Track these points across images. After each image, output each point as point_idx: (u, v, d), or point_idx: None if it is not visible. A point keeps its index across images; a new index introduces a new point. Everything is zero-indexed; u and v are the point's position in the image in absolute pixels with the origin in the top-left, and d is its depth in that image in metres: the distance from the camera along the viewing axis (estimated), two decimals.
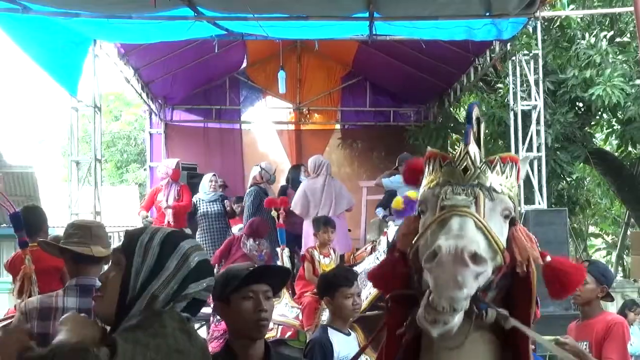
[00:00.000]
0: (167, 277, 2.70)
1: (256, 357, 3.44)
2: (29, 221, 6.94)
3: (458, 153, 2.98)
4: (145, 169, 22.12)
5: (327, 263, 9.64)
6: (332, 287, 5.55)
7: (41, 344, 4.03)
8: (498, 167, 2.97)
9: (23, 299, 5.56)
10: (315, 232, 10.19)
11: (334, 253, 10.08)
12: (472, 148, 2.96)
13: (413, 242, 2.89)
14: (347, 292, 5.49)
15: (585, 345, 5.53)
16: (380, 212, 12.16)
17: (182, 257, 2.74)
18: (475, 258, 2.57)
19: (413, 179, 3.55)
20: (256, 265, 4.30)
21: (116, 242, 13.05)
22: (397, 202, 10.39)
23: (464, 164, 2.94)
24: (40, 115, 62.07)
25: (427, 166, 3.11)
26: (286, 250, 10.59)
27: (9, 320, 5.40)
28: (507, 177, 2.97)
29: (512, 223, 2.95)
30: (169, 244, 2.76)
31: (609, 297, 6.00)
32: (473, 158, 2.95)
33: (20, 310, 4.59)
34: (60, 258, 4.94)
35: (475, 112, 3.10)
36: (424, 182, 3.07)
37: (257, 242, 11.11)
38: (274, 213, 11.24)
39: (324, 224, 10.18)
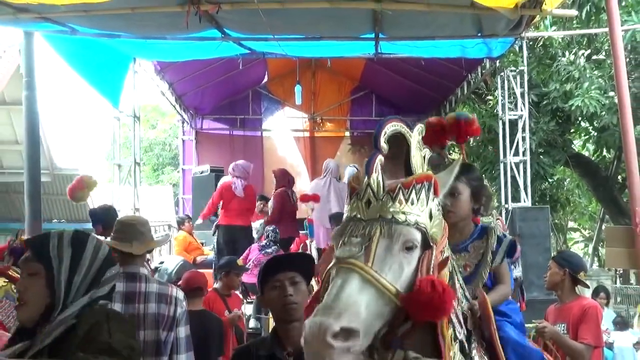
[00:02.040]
0: (86, 270, 2.90)
1: (297, 337, 3.45)
2: (105, 218, 7.18)
3: (362, 184, 2.60)
4: (178, 171, 22.18)
5: None
6: None
7: None
8: (401, 195, 2.55)
9: None
10: (333, 226, 10.13)
11: None
12: (375, 178, 2.57)
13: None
14: None
15: (563, 327, 5.51)
16: None
17: (93, 251, 2.95)
18: (343, 334, 2.26)
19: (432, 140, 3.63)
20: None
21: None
22: None
23: (367, 197, 2.58)
24: (87, 124, 62.29)
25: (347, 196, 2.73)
26: (314, 242, 10.49)
27: None
28: (414, 203, 2.56)
29: (427, 247, 2.57)
30: (78, 242, 2.95)
31: (584, 284, 5.99)
32: (375, 189, 2.57)
33: None
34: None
35: (394, 130, 2.64)
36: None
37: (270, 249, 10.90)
38: (309, 206, 11.19)
39: (338, 218, 10.16)
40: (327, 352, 2.24)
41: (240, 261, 8.71)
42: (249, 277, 10.73)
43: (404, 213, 2.53)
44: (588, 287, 6.56)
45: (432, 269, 2.52)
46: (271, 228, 11.41)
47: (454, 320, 2.73)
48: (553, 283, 5.76)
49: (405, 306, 2.43)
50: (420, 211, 2.55)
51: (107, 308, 3.00)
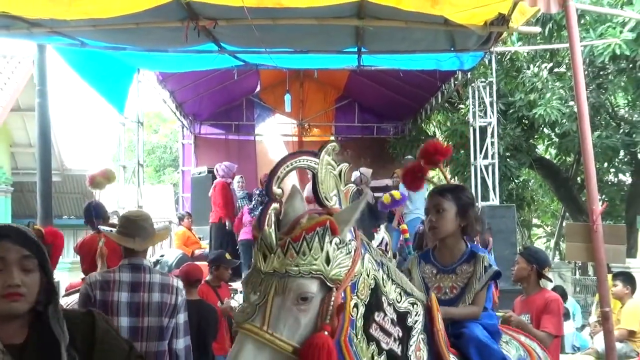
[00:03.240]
0: None
1: None
2: (103, 212, 7.24)
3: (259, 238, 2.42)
4: (178, 172, 22.12)
5: None
6: None
7: (101, 309, 4.14)
8: (292, 249, 2.39)
9: (101, 268, 6.17)
10: None
11: None
12: (267, 231, 2.38)
13: None
14: None
15: (527, 317, 5.53)
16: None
17: None
18: None
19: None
20: None
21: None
22: (386, 199, 10.34)
23: (262, 250, 2.42)
24: (95, 129, 62.07)
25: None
26: None
27: (77, 288, 5.69)
28: (306, 254, 2.38)
29: (327, 289, 2.42)
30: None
31: (547, 278, 6.01)
32: (268, 243, 2.39)
33: (86, 282, 4.71)
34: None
35: (290, 170, 2.46)
36: None
37: None
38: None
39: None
40: None
41: (228, 255, 8.70)
42: (245, 234, 11.45)
43: (296, 266, 2.37)
44: (551, 280, 6.60)
45: (328, 315, 2.39)
46: (257, 191, 11.86)
47: (375, 334, 2.62)
48: (520, 277, 5.79)
49: None
50: (314, 259, 2.39)
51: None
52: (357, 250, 2.55)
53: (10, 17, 7.25)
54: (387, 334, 2.68)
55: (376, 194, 14.49)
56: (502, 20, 7.34)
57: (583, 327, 11.78)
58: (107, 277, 4.57)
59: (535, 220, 28.64)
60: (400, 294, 2.81)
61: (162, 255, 11.77)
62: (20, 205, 20.85)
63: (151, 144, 35.91)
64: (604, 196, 16.78)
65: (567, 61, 14.02)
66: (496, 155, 12.48)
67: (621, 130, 15.27)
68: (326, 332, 2.39)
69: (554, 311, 5.50)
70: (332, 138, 18.07)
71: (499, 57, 14.15)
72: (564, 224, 22.10)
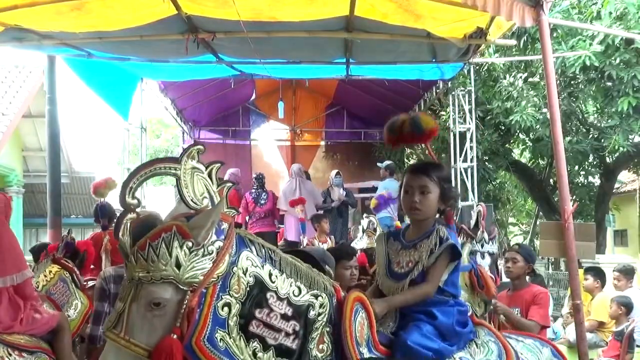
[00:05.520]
0: None
1: None
2: (109, 212, 7.33)
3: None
4: None
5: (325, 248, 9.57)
6: (335, 259, 4.99)
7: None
8: (140, 257, 2.36)
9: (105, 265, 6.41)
10: (315, 224, 10.11)
11: (330, 240, 9.96)
12: (122, 241, 2.39)
13: None
14: (347, 264, 5.14)
15: (517, 311, 5.46)
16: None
17: None
18: None
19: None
20: None
21: None
22: (373, 203, 10.36)
23: (124, 259, 2.43)
24: (101, 134, 62.01)
25: None
26: (305, 239, 10.45)
27: (92, 283, 5.92)
28: (154, 260, 2.33)
29: (184, 292, 2.37)
30: None
31: (532, 272, 6.01)
32: (125, 252, 2.39)
33: (101, 277, 4.74)
34: None
35: (145, 177, 2.51)
36: None
37: None
38: (298, 210, 11.22)
39: (320, 218, 10.16)
40: None
41: None
42: (261, 227, 11.35)
43: (148, 272, 2.34)
44: (536, 274, 6.59)
45: (178, 318, 2.36)
46: (255, 175, 12.07)
47: (257, 331, 2.52)
48: (519, 274, 5.72)
49: None
50: (163, 265, 2.34)
51: None
52: (222, 251, 2.47)
53: (23, 29, 7.25)
54: (275, 329, 2.56)
55: (362, 195, 14.60)
56: (480, 33, 7.38)
57: (556, 318, 11.80)
58: (120, 272, 4.62)
59: (511, 219, 28.70)
60: (298, 287, 2.66)
61: None
62: (31, 206, 20.80)
63: (154, 148, 35.78)
64: (575, 197, 16.81)
65: (540, 71, 14.05)
66: (475, 159, 12.49)
67: (590, 136, 15.31)
68: (175, 336, 2.37)
69: (541, 303, 5.47)
70: (322, 143, 18.09)
71: (477, 67, 14.17)
72: (538, 222, 22.14)
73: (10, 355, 3.97)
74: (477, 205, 5.44)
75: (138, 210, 2.45)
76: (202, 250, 2.41)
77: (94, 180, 8.69)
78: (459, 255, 3.05)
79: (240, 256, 2.54)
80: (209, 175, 2.66)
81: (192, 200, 2.54)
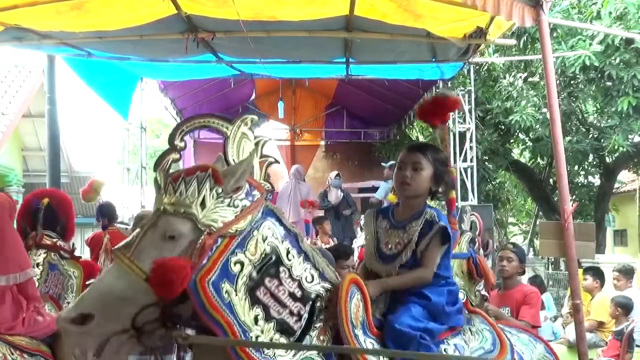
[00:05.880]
0: None
1: None
2: (108, 211, 7.36)
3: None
4: None
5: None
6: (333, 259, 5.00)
7: None
8: (170, 188, 2.45)
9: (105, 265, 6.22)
10: (316, 226, 10.16)
11: (332, 241, 9.97)
12: (159, 173, 2.54)
13: None
14: (344, 263, 5.21)
15: (507, 310, 5.48)
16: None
17: None
18: (80, 319, 2.26)
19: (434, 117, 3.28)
20: None
21: None
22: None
23: (155, 190, 2.54)
24: (101, 134, 62.01)
25: None
26: (308, 240, 10.49)
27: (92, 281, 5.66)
28: (183, 194, 2.41)
29: (200, 233, 2.40)
30: None
31: (523, 272, 6.03)
32: (158, 184, 2.52)
33: None
34: None
35: (192, 126, 2.62)
36: None
37: None
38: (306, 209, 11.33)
39: (321, 220, 10.22)
40: (67, 335, 2.31)
41: None
42: None
43: (172, 204, 2.42)
44: (524, 273, 6.59)
45: (193, 255, 2.38)
46: None
47: (263, 298, 2.52)
48: (512, 274, 5.74)
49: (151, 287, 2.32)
50: (190, 202, 2.41)
51: None
52: (247, 209, 2.52)
53: (22, 29, 7.23)
54: (281, 303, 2.57)
55: (362, 195, 14.60)
56: (480, 33, 7.36)
57: (556, 318, 11.80)
58: None
59: (511, 219, 28.70)
60: (313, 275, 2.69)
61: None
62: None
63: (153, 147, 35.56)
64: (574, 197, 16.82)
65: (540, 71, 14.06)
66: (475, 159, 12.50)
67: (590, 136, 15.33)
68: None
69: (532, 303, 5.49)
70: (322, 143, 18.09)
71: (477, 67, 14.18)
72: (537, 222, 22.14)
73: (12, 354, 3.96)
74: (470, 215, 5.39)
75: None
76: (229, 200, 2.48)
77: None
78: (449, 238, 3.04)
79: (263, 224, 2.59)
80: (257, 145, 2.69)
81: (233, 160, 2.60)
